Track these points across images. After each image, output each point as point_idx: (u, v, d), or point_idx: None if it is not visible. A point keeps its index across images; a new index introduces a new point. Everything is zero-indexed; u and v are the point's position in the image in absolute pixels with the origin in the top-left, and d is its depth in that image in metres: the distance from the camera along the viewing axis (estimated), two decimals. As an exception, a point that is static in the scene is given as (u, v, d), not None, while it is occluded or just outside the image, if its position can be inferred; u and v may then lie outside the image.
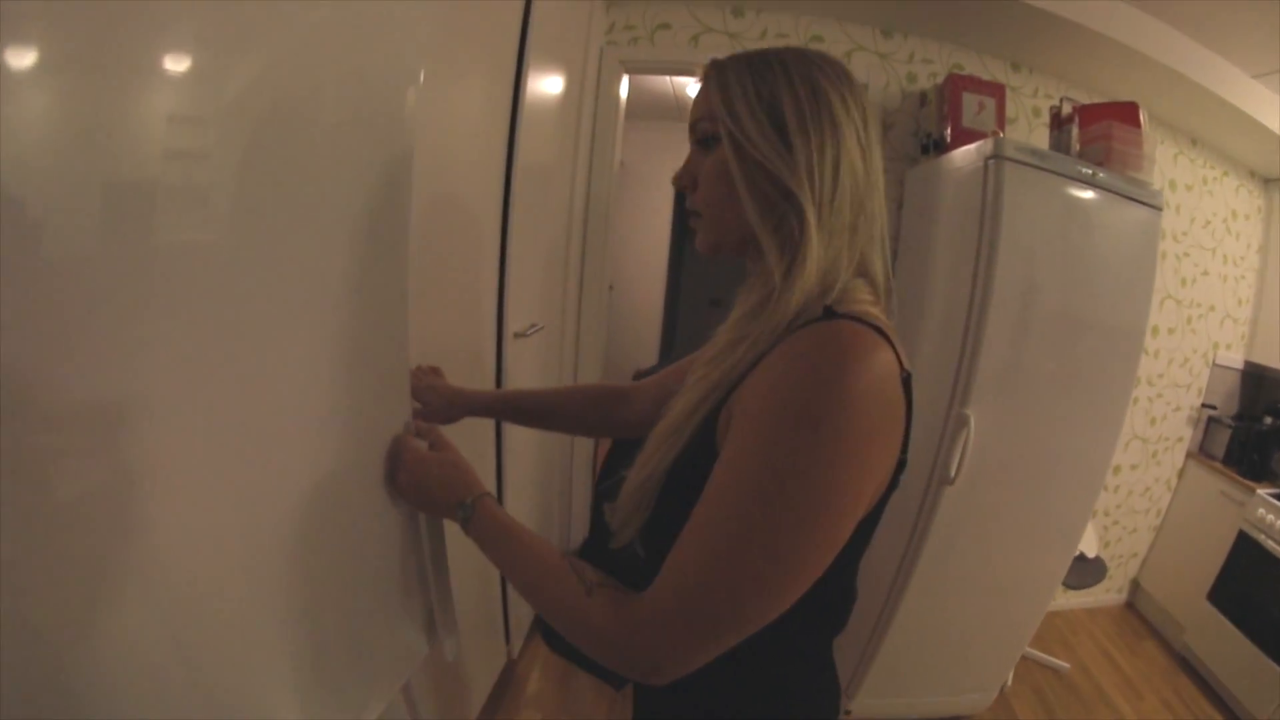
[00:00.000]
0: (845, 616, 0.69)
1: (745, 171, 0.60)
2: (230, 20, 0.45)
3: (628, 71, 2.29)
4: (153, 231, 0.41)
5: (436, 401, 0.97)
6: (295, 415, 0.63)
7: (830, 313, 0.55)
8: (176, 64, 0.42)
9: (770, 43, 2.17)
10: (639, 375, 2.08)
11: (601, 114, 2.27)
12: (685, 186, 0.68)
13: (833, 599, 0.66)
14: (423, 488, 0.75)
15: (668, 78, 3.22)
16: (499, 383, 1.57)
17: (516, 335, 1.67)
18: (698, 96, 0.65)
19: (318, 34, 0.58)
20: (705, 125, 0.63)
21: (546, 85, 1.70)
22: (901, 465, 0.59)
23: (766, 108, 0.59)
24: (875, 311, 0.58)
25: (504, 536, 0.68)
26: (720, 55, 0.65)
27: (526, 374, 1.81)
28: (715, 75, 0.63)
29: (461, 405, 1.00)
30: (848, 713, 0.68)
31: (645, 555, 0.67)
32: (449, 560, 0.91)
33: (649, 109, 3.76)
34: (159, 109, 0.41)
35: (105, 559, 0.43)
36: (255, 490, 0.59)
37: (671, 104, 3.77)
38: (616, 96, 2.29)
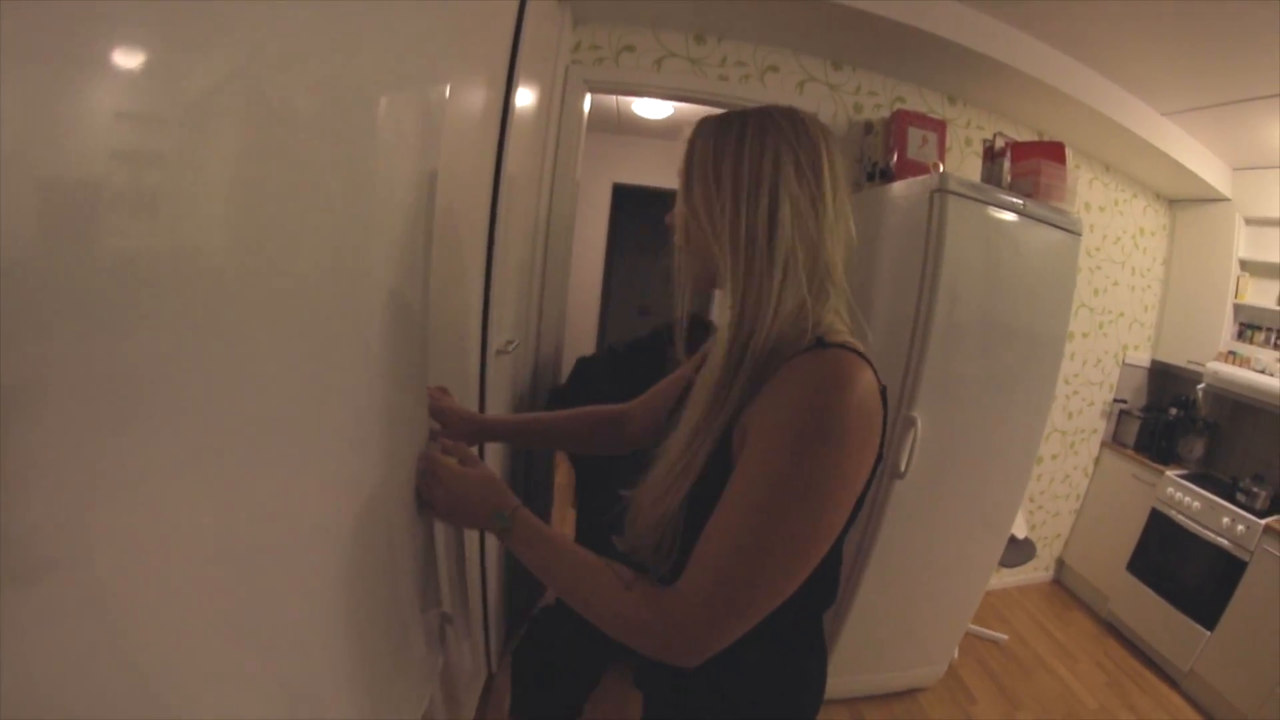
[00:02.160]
0: (835, 591, 0.81)
1: (693, 227, 0.72)
2: (205, 16, 0.39)
3: (591, 91, 2.32)
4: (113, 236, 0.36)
5: (457, 424, 1.01)
6: (325, 432, 0.60)
7: (821, 343, 0.65)
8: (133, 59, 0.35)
9: (728, 70, 2.29)
10: (554, 391, 2.15)
11: (565, 131, 2.28)
12: (670, 228, 0.79)
13: (825, 577, 0.77)
14: (461, 503, 0.80)
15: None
16: (482, 401, 1.58)
17: (499, 352, 1.69)
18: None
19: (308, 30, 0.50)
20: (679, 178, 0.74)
21: (527, 100, 1.70)
22: (879, 461, 0.69)
23: (713, 171, 0.69)
24: (854, 340, 0.69)
25: (543, 542, 0.74)
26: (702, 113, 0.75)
27: (501, 391, 1.82)
28: (693, 134, 0.73)
29: (482, 431, 1.07)
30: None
31: (672, 570, 0.71)
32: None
33: (591, 121, 3.85)
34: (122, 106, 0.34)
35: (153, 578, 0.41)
36: (299, 507, 0.57)
37: (613, 116, 3.82)
38: (580, 114, 2.31)
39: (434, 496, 0.81)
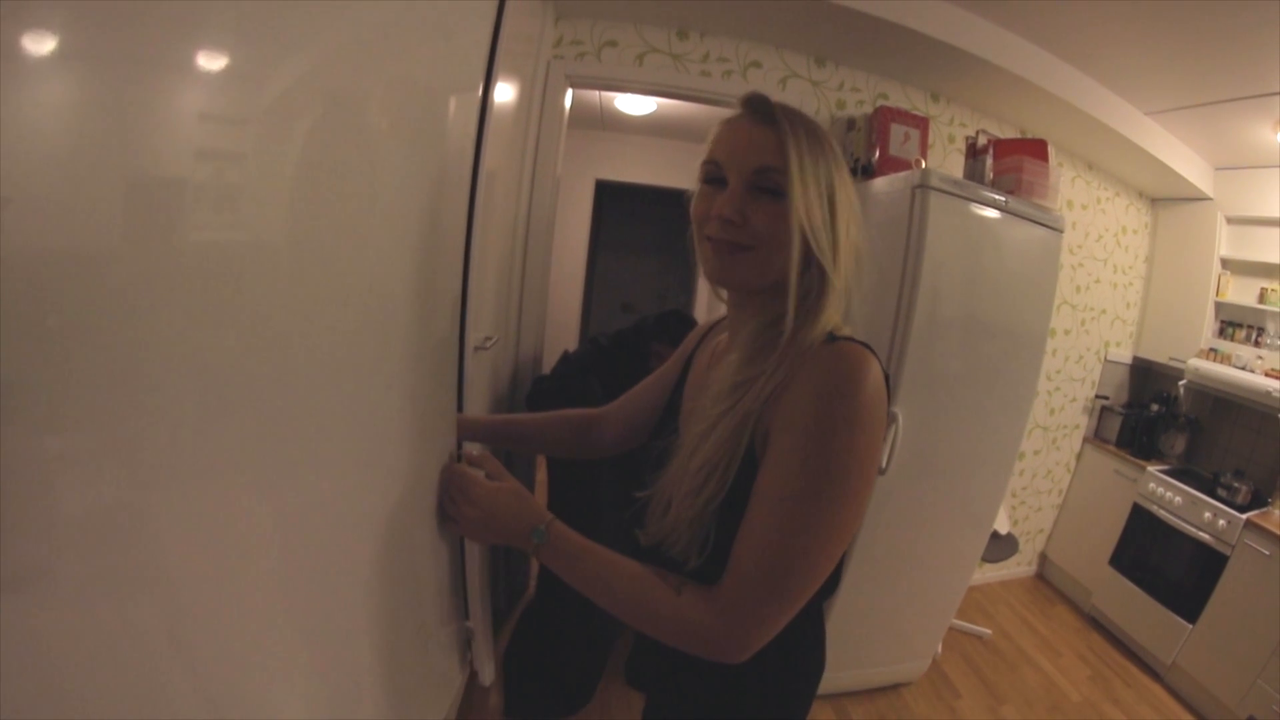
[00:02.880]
0: (839, 579, 0.81)
1: (801, 233, 0.68)
2: (276, 18, 0.41)
3: (572, 86, 2.31)
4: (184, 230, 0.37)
5: None
6: (362, 440, 0.60)
7: (832, 337, 0.69)
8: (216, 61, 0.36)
9: (710, 66, 2.28)
10: (537, 380, 2.16)
11: (546, 126, 2.27)
12: (736, 221, 0.71)
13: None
14: (492, 519, 0.77)
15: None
16: (460, 396, 1.60)
17: (477, 349, 1.69)
18: (760, 140, 0.70)
19: (374, 35, 0.51)
20: (776, 178, 0.69)
21: (506, 95, 1.68)
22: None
23: (826, 188, 0.69)
24: (854, 330, 0.73)
25: (583, 556, 0.73)
26: (770, 95, 0.72)
27: (480, 386, 1.80)
28: (785, 130, 0.69)
29: (460, 431, 1.03)
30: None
31: (704, 563, 0.72)
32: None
33: (574, 117, 3.82)
34: (193, 106, 0.36)
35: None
36: (324, 519, 0.56)
37: (595, 113, 3.78)
38: (561, 109, 2.30)
39: (462, 514, 0.78)
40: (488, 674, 0.98)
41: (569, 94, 2.34)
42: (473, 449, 0.88)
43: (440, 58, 0.67)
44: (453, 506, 0.79)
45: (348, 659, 0.62)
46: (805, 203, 0.68)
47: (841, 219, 0.71)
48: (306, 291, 0.47)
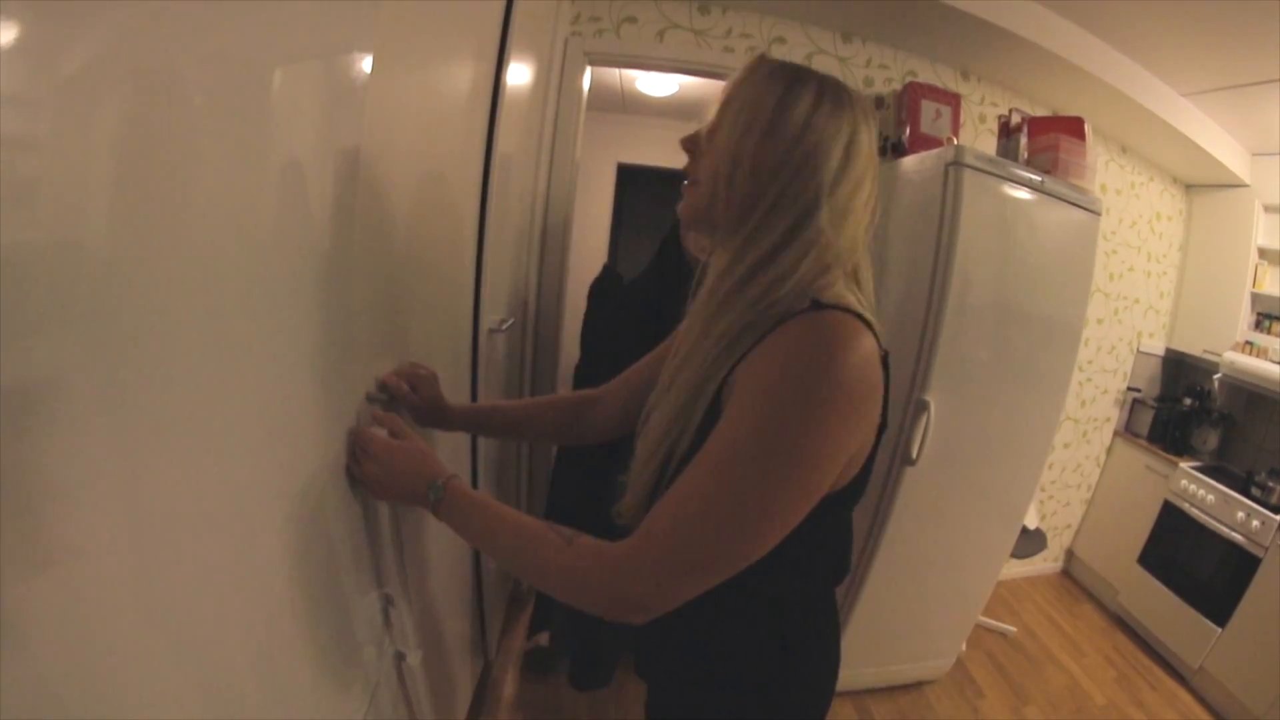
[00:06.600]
0: (846, 564, 0.78)
1: (726, 170, 0.66)
2: None
3: (591, 64, 2.26)
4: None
5: (421, 404, 0.94)
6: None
7: (818, 304, 0.63)
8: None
9: (733, 41, 2.22)
10: (579, 369, 2.12)
11: (564, 106, 2.23)
12: (690, 151, 0.71)
13: (833, 548, 0.75)
14: (393, 476, 0.75)
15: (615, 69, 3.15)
16: (474, 378, 1.54)
17: (491, 330, 1.66)
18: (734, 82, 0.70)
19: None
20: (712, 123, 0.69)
21: (520, 74, 1.64)
22: (883, 427, 0.68)
23: (775, 119, 0.64)
24: (854, 300, 0.66)
25: (478, 510, 0.71)
26: (766, 56, 0.70)
27: (497, 369, 1.79)
28: (753, 71, 0.68)
29: (440, 418, 0.98)
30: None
31: None
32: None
33: (595, 100, 3.75)
34: None
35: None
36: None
37: (616, 95, 3.70)
38: (579, 88, 2.25)
39: (366, 472, 0.76)
40: (410, 639, 0.93)
41: (587, 73, 2.29)
42: (377, 409, 0.85)
43: (309, 25, 0.60)
44: (356, 466, 0.76)
45: (230, 650, 0.57)
46: (743, 131, 0.65)
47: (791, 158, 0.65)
48: (137, 284, 0.42)
